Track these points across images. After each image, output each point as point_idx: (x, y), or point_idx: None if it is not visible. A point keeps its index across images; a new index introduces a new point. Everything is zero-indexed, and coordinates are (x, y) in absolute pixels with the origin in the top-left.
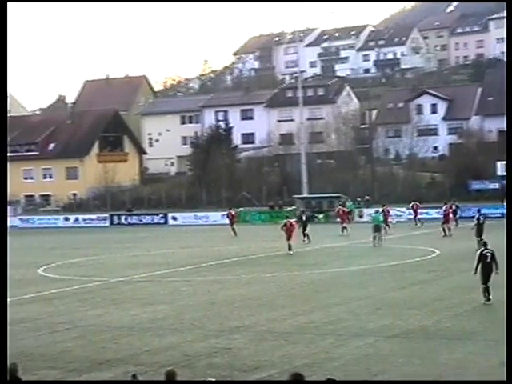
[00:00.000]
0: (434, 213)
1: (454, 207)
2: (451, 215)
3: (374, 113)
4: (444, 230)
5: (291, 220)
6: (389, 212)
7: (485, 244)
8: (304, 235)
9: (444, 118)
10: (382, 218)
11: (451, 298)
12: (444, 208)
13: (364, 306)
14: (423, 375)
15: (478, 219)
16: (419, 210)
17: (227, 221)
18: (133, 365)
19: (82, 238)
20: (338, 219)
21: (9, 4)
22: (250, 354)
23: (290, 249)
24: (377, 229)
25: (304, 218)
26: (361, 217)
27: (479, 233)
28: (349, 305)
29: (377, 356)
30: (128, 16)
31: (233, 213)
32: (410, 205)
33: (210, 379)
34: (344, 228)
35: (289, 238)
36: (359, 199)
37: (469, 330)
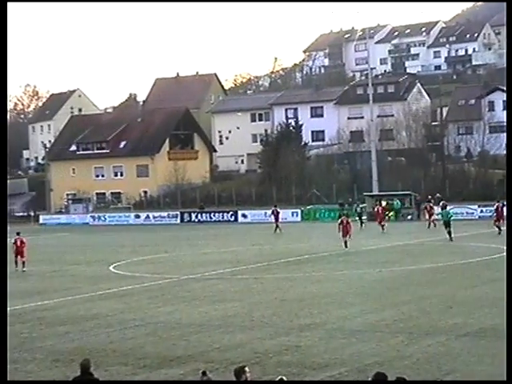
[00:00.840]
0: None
1: (501, 205)
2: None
3: (445, 110)
4: (498, 227)
5: (347, 218)
6: (432, 209)
7: None
8: None
9: None
10: (450, 215)
11: None
12: (495, 206)
13: (435, 305)
14: (494, 374)
15: None
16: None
17: (273, 217)
18: (203, 362)
19: (152, 235)
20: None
21: (80, 4)
22: (320, 352)
23: (346, 246)
24: (446, 225)
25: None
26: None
27: None
28: (420, 303)
29: (448, 355)
30: (199, 14)
31: (278, 210)
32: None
33: (280, 377)
34: (382, 226)
35: (345, 234)
36: (430, 197)
37: None
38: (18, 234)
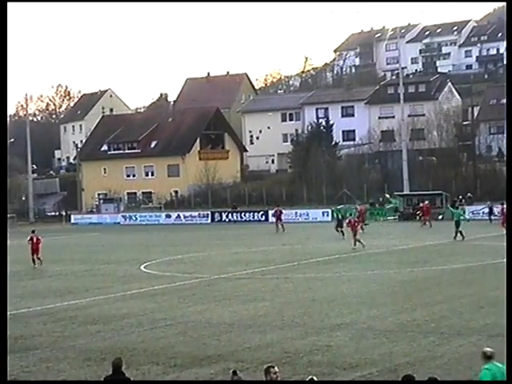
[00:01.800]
0: None
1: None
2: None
3: (477, 109)
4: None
5: (353, 218)
6: (429, 209)
7: None
8: (339, 232)
9: None
10: (461, 215)
11: None
12: (501, 208)
13: (467, 305)
14: None
15: None
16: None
17: (274, 218)
18: (233, 361)
19: (183, 235)
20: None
21: (112, 5)
22: (351, 352)
23: (355, 244)
24: (457, 224)
25: (340, 216)
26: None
27: None
28: (451, 303)
29: (479, 355)
30: (230, 14)
31: (281, 209)
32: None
33: (311, 377)
34: (362, 227)
35: (355, 233)
36: (460, 197)
37: None
38: (33, 231)
